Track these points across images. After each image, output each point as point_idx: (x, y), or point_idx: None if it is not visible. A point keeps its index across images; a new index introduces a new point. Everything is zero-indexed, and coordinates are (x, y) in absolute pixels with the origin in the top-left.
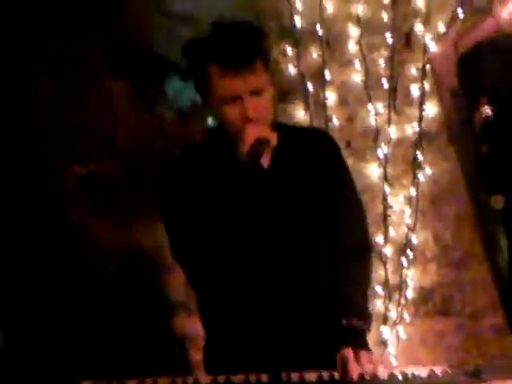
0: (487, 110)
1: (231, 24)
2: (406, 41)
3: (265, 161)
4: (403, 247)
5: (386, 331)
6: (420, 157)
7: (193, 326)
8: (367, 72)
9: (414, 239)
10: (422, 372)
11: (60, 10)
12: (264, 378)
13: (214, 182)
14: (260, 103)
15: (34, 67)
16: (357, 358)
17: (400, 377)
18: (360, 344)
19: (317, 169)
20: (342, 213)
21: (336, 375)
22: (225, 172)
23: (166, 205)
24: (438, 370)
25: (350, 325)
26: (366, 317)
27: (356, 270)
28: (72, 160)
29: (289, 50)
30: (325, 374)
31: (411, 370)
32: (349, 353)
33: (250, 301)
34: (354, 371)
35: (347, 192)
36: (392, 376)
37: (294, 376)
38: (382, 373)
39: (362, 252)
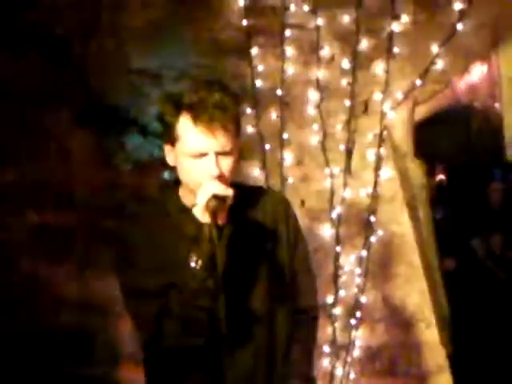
0: (441, 176)
1: (211, 82)
2: (365, 107)
3: (221, 218)
4: (352, 307)
5: None
6: (373, 219)
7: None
8: (325, 135)
9: (364, 299)
10: None
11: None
12: None
13: (169, 238)
14: (226, 163)
15: None
16: None
17: None
18: None
19: (272, 229)
20: (297, 276)
21: None
22: (180, 228)
23: (123, 261)
24: None
25: None
26: (310, 381)
27: (305, 335)
28: (25, 208)
29: (248, 110)
30: None
31: None
32: None
33: (202, 361)
34: None
35: (301, 255)
36: None
37: None
38: None
39: (313, 316)
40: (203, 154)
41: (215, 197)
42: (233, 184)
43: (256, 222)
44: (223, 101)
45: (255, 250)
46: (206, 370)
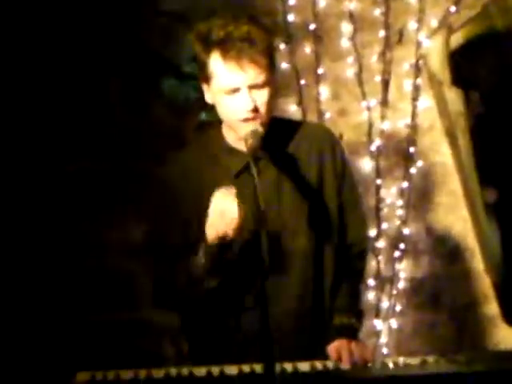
0: (479, 105)
1: (239, 16)
2: (399, 37)
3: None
4: (395, 240)
5: (378, 323)
6: (412, 149)
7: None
8: (360, 67)
9: (406, 231)
10: (414, 361)
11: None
12: (258, 368)
13: (213, 179)
14: (261, 96)
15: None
16: (350, 348)
17: (392, 366)
18: (352, 337)
19: (317, 161)
20: (345, 208)
21: (329, 365)
22: (225, 167)
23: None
24: (429, 359)
25: (342, 321)
26: (358, 315)
27: (353, 269)
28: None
29: (282, 46)
30: (318, 364)
31: (403, 359)
32: (342, 343)
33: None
34: (347, 360)
35: (348, 187)
36: (384, 365)
37: (288, 366)
38: (374, 362)
39: (361, 250)
40: (236, 90)
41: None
42: (274, 119)
43: (299, 155)
44: (251, 33)
45: (300, 183)
46: (250, 307)
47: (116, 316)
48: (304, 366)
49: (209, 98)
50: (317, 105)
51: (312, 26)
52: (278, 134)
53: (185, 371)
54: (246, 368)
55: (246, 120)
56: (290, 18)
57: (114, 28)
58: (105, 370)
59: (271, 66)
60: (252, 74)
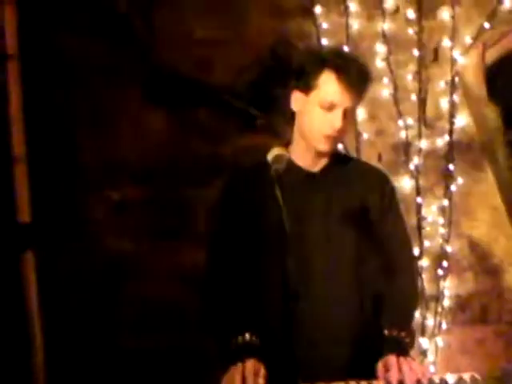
0: None
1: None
2: (434, 55)
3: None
4: (439, 257)
5: (424, 342)
6: (451, 167)
7: None
8: (395, 86)
9: (449, 249)
10: (451, 378)
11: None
12: None
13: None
14: (345, 123)
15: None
16: (400, 365)
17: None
18: (403, 353)
19: (363, 197)
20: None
21: None
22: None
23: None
24: (466, 376)
25: (393, 335)
26: (409, 331)
27: (403, 286)
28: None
29: None
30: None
31: (438, 377)
32: (392, 359)
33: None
34: (395, 376)
35: (391, 223)
36: (419, 383)
37: None
38: (410, 380)
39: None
40: (333, 107)
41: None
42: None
43: (349, 187)
44: (363, 70)
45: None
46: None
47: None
48: None
49: (297, 105)
50: (354, 126)
51: (346, 48)
52: (336, 162)
53: None
54: None
55: (328, 137)
56: (324, 41)
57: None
58: None
59: (360, 101)
60: (352, 100)
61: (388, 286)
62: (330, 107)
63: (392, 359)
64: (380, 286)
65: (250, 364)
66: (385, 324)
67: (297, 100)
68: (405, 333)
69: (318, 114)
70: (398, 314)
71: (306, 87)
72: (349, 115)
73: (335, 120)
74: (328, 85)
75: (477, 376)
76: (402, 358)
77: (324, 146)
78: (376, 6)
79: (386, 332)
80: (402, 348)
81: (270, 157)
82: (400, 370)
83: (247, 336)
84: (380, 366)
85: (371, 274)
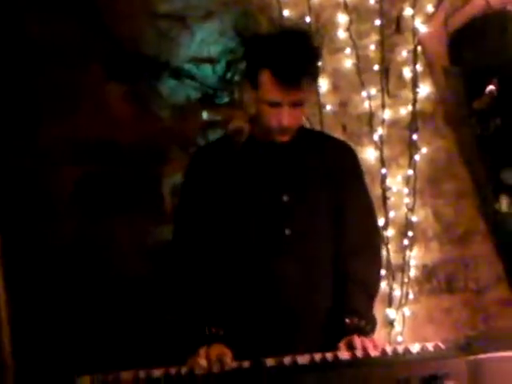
0: (490, 87)
1: (294, 35)
2: (396, 24)
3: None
4: (404, 227)
5: (391, 312)
6: (415, 137)
7: None
8: (358, 57)
9: (414, 218)
10: (414, 348)
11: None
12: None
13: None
14: (296, 114)
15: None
16: (363, 342)
17: (390, 353)
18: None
19: (331, 165)
20: (351, 213)
21: (328, 356)
22: (246, 152)
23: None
24: (429, 345)
25: (354, 323)
26: (370, 319)
27: (365, 269)
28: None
29: None
30: (316, 356)
31: (403, 346)
32: (355, 338)
33: (257, 285)
34: (359, 347)
35: (355, 192)
36: (383, 352)
37: (287, 360)
38: (374, 351)
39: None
40: (277, 104)
41: None
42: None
43: (313, 160)
44: (303, 59)
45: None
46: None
47: None
48: (303, 359)
49: (247, 97)
50: (317, 97)
51: (308, 19)
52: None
53: (184, 370)
54: (246, 364)
55: (280, 130)
56: (286, 13)
57: (111, 31)
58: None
59: (314, 84)
60: (295, 95)
61: (351, 265)
62: (275, 105)
63: (355, 338)
64: (342, 264)
65: (217, 346)
66: (346, 310)
67: (247, 92)
68: (365, 321)
69: (265, 110)
70: (359, 302)
71: (252, 83)
72: (300, 104)
73: (282, 117)
74: (267, 85)
75: (441, 345)
76: (363, 337)
77: (279, 138)
78: None
79: (346, 320)
80: (363, 332)
81: (229, 130)
82: (363, 348)
83: (213, 330)
84: (342, 345)
85: (336, 247)
